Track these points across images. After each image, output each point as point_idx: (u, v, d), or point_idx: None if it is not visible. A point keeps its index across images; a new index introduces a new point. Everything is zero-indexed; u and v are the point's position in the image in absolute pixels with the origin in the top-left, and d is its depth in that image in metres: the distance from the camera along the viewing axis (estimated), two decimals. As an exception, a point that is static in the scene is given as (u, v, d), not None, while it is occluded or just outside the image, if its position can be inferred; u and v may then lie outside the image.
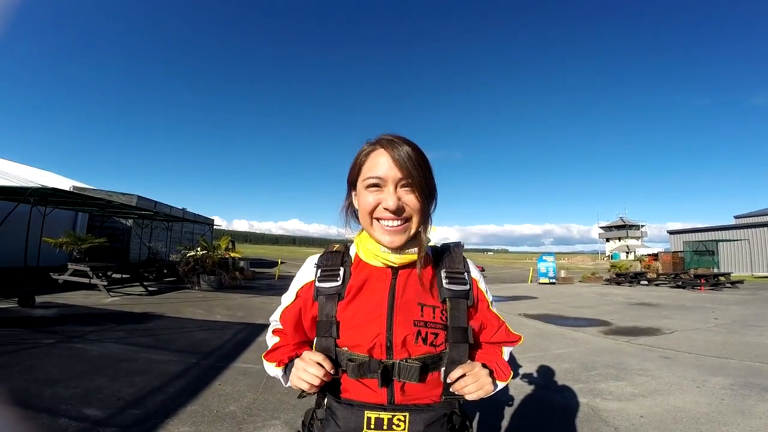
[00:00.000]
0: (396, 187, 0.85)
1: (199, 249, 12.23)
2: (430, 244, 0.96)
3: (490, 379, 0.85)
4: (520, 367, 4.53)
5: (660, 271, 20.26)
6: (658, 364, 4.78)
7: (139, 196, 10.27)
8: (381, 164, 0.86)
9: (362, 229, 0.95)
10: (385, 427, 0.83)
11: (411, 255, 0.89)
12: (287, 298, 0.99)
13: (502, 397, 3.67)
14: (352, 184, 0.95)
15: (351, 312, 0.88)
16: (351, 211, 0.98)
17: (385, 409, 0.85)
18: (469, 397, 0.84)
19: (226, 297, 9.74)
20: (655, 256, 25.49)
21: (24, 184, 7.04)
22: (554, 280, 19.11)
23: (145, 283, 10.07)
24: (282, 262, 20.95)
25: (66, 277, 9.04)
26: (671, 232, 33.95)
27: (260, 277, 16.31)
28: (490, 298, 0.98)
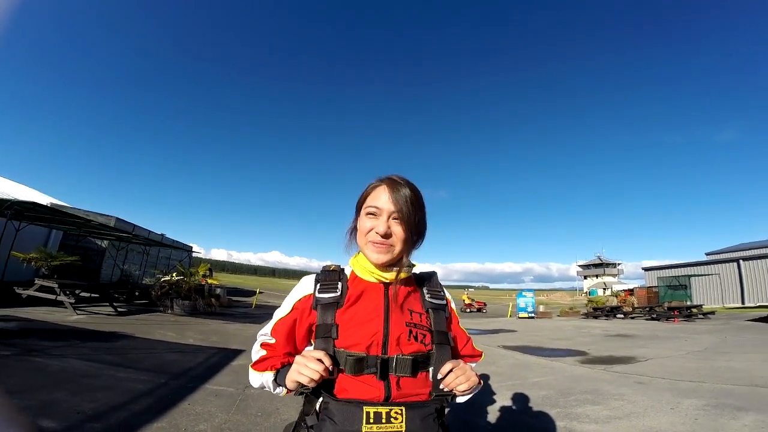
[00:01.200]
0: (388, 218, 1.02)
1: (174, 274, 11.93)
2: (414, 270, 1.13)
3: (474, 373, 0.99)
4: (496, 394, 4.50)
5: (635, 305, 20.69)
6: (633, 389, 4.82)
7: (117, 218, 10.04)
8: (381, 197, 1.04)
9: (358, 252, 1.11)
10: (383, 421, 0.89)
11: (402, 273, 1.04)
12: (281, 311, 1.09)
13: (481, 422, 3.64)
14: (358, 210, 1.11)
15: (349, 316, 1.00)
16: (353, 234, 1.14)
17: (382, 405, 0.91)
18: (460, 389, 0.95)
19: (200, 322, 9.41)
20: (630, 291, 26.09)
21: (2, 197, 6.82)
22: (533, 315, 19.26)
23: (114, 304, 9.66)
24: (260, 292, 20.45)
25: (31, 292, 8.62)
26: (646, 269, 34.92)
27: (237, 305, 15.83)
28: (459, 317, 1.18)
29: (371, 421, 0.89)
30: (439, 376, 0.95)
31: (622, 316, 18.81)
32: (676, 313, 16.28)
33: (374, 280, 1.05)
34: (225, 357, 5.69)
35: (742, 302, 26.19)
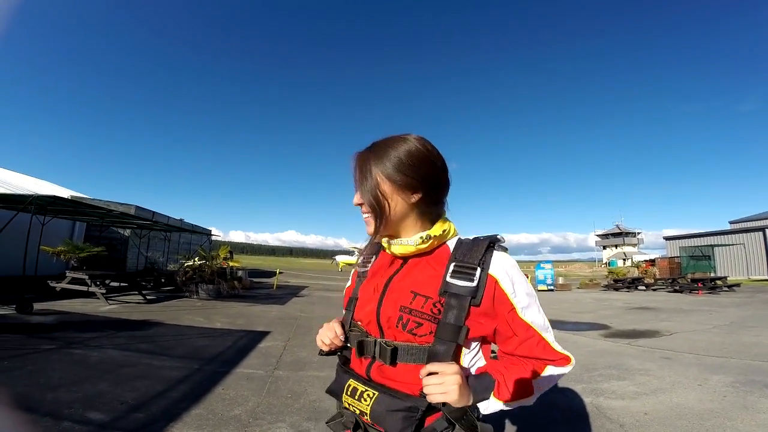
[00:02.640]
0: (360, 187, 0.95)
1: (197, 258, 12.19)
2: (451, 239, 0.96)
3: (456, 387, 0.77)
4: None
5: (657, 276, 20.36)
6: (659, 364, 4.80)
7: (137, 206, 10.25)
8: (353, 168, 0.98)
9: None
10: (356, 397, 0.90)
11: (409, 246, 0.92)
12: (349, 281, 1.14)
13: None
14: None
15: (362, 290, 1.02)
16: None
17: (363, 382, 0.91)
18: (428, 398, 0.79)
19: (225, 306, 9.69)
20: (652, 262, 25.59)
21: (25, 192, 7.02)
22: (552, 287, 19.16)
23: (143, 292, 10.00)
24: (280, 272, 20.85)
25: (64, 284, 8.96)
26: (667, 238, 34.17)
27: (258, 286, 16.22)
28: (521, 303, 0.86)
29: (349, 393, 0.92)
30: (420, 375, 0.80)
31: (643, 287, 18.59)
32: (699, 285, 15.95)
33: (396, 253, 0.96)
34: (252, 339, 5.88)
35: (770, 274, 25.42)
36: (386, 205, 0.90)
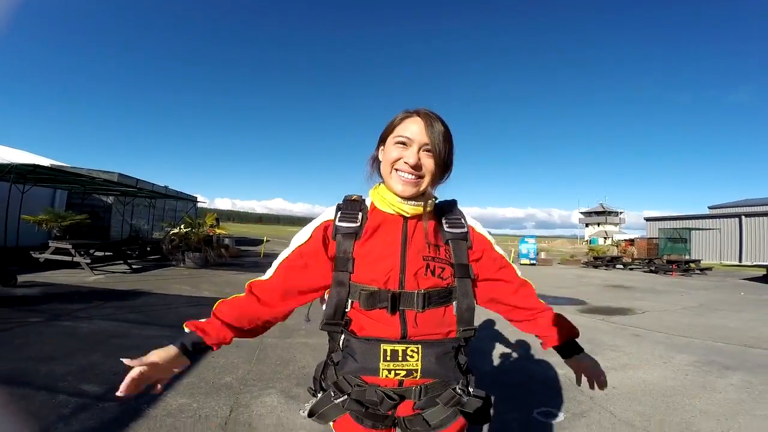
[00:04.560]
0: (419, 149, 0.98)
1: (182, 226, 12.06)
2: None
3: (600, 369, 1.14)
4: (500, 340, 4.76)
5: (635, 256, 21.09)
6: (629, 341, 5.09)
7: (120, 174, 9.97)
8: (413, 128, 0.99)
9: (379, 183, 1.09)
10: (399, 359, 0.93)
11: (419, 207, 1.01)
12: (300, 238, 1.05)
13: (486, 368, 3.89)
14: (382, 140, 1.07)
15: (367, 249, 1.00)
16: (375, 164, 1.10)
17: (399, 342, 0.94)
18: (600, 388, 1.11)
19: (212, 274, 9.73)
20: (631, 242, 26.45)
21: (3, 162, 6.78)
22: (534, 262, 19.68)
23: (128, 261, 9.95)
24: (267, 240, 20.87)
25: (47, 255, 8.80)
26: (648, 219, 35.08)
27: (245, 254, 16.24)
28: (492, 240, 1.12)
29: (388, 358, 0.92)
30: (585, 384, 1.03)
31: (621, 266, 19.23)
32: (674, 267, 16.59)
33: (393, 212, 1.02)
34: (241, 309, 5.97)
35: (740, 260, 26.40)
36: (440, 174, 1.03)
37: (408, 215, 1.01)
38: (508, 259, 1.13)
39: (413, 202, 1.00)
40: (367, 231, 1.01)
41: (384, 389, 0.94)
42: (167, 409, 2.68)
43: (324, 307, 1.03)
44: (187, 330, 0.96)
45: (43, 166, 7.85)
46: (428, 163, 0.98)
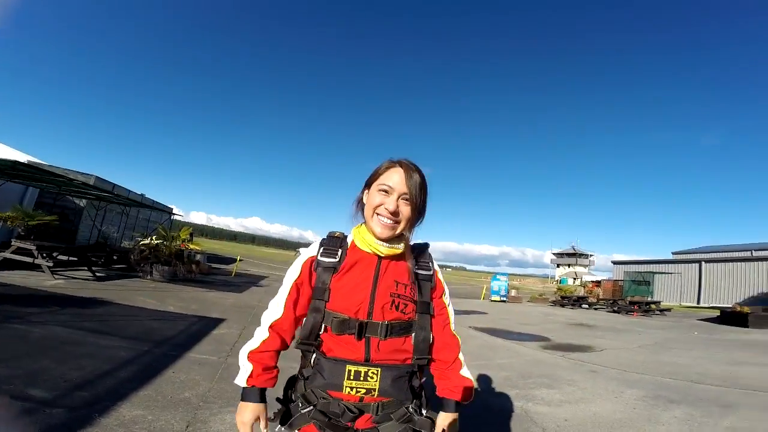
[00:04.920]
0: (398, 198, 1.14)
1: (154, 237, 11.79)
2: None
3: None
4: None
5: (600, 297, 21.76)
6: (585, 376, 5.28)
7: (97, 177, 9.78)
8: (395, 178, 1.15)
9: (361, 224, 1.24)
10: (361, 378, 1.08)
11: (395, 249, 1.17)
12: (294, 272, 1.21)
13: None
14: (368, 185, 1.22)
15: (342, 283, 1.15)
16: (360, 206, 1.25)
17: (362, 364, 1.10)
18: None
19: (179, 289, 9.47)
20: (598, 283, 27.30)
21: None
22: (505, 299, 20.04)
23: (93, 268, 9.58)
24: (240, 260, 20.47)
25: (7, 254, 8.37)
26: (615, 263, 36.43)
27: (216, 272, 15.84)
28: (446, 289, 1.29)
29: (352, 377, 1.07)
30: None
31: (587, 306, 19.79)
32: (636, 307, 17.30)
33: (370, 251, 1.16)
34: (206, 326, 5.85)
35: (698, 302, 27.80)
36: (417, 220, 1.20)
37: (382, 255, 1.16)
38: (450, 311, 1.28)
39: (388, 244, 1.15)
40: (345, 266, 1.16)
41: (346, 403, 1.09)
42: (120, 419, 2.63)
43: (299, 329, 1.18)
44: (246, 385, 1.13)
45: (22, 163, 7.65)
46: (405, 210, 1.14)
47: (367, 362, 1.09)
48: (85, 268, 9.51)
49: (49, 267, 8.29)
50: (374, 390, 1.08)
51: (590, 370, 5.69)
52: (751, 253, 30.52)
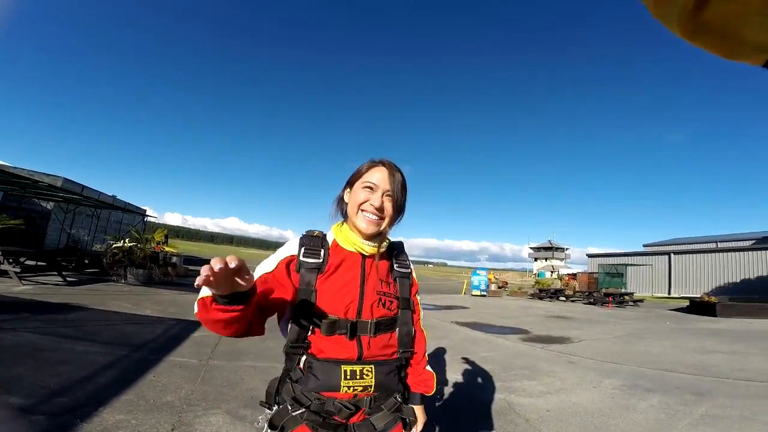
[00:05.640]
0: (382, 195, 1.16)
1: (127, 240, 11.44)
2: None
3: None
4: (447, 366, 4.94)
5: (576, 289, 22.44)
6: (564, 367, 5.45)
7: (65, 179, 9.38)
8: (378, 176, 1.18)
9: (342, 222, 1.24)
10: (357, 377, 1.09)
11: (377, 248, 1.19)
12: (266, 266, 1.11)
13: (434, 393, 4.02)
14: (350, 184, 1.23)
15: (329, 284, 1.13)
16: (340, 204, 1.27)
17: (356, 363, 1.11)
18: None
19: (155, 292, 9.22)
20: (573, 276, 28.14)
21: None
22: (485, 293, 20.38)
23: (63, 273, 9.22)
24: (219, 261, 19.92)
25: (-31, 260, 8.00)
26: (590, 255, 37.62)
27: (193, 274, 15.35)
28: (417, 285, 1.34)
29: (348, 377, 1.08)
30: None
31: (564, 298, 20.36)
32: (610, 299, 17.86)
33: (353, 251, 1.17)
34: (185, 328, 5.72)
35: (669, 292, 29.02)
36: (398, 218, 1.22)
37: (366, 254, 1.18)
38: (420, 308, 1.34)
39: (372, 243, 1.18)
40: (330, 267, 1.14)
41: (341, 401, 1.09)
42: (103, 425, 2.57)
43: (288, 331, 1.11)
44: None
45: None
46: (388, 207, 1.17)
47: (360, 360, 1.11)
48: (55, 273, 9.15)
49: (16, 272, 7.94)
50: (371, 386, 1.11)
51: (569, 361, 5.87)
52: (716, 245, 32.13)
